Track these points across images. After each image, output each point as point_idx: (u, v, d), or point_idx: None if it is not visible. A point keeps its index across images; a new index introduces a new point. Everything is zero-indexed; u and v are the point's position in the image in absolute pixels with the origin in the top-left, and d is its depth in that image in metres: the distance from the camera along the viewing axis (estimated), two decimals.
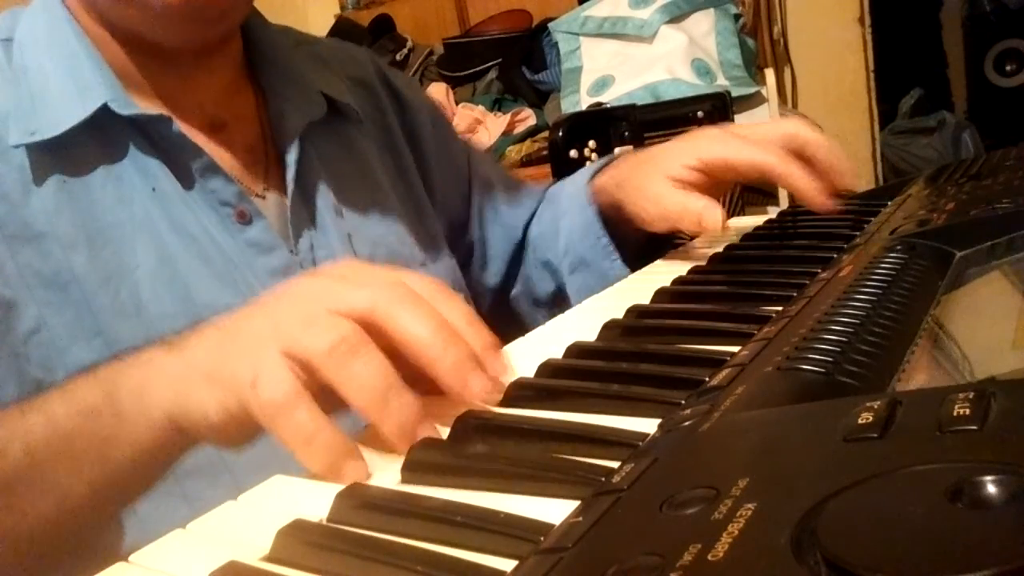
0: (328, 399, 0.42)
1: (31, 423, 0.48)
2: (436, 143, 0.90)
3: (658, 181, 0.74)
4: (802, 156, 0.70)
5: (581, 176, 0.87)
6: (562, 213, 0.88)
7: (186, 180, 0.67)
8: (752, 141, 0.71)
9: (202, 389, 0.44)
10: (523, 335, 0.58)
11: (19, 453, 0.47)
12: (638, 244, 0.83)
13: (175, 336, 0.47)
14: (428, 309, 0.43)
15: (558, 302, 0.89)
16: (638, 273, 0.72)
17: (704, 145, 0.74)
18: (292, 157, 0.73)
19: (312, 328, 0.42)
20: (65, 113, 0.64)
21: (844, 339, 0.41)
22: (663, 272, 0.69)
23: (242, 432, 0.43)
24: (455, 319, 0.44)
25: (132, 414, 0.46)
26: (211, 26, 0.69)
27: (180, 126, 0.67)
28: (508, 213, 0.94)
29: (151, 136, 0.67)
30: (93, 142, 0.65)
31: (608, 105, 1.72)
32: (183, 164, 0.67)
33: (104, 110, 0.64)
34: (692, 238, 0.79)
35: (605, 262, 0.82)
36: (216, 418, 0.43)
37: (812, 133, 0.72)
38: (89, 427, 0.47)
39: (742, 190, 1.52)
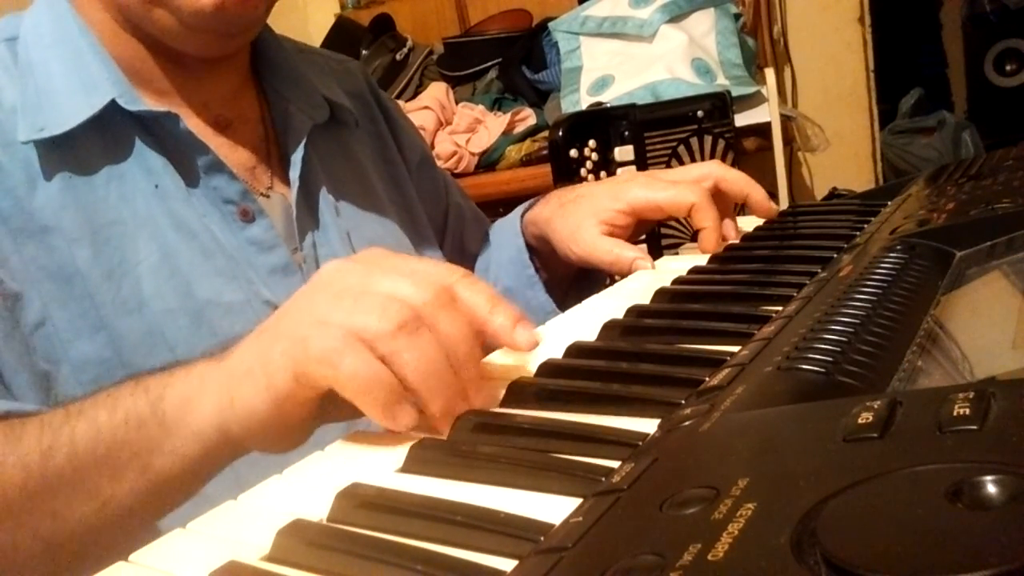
0: (341, 408, 0.42)
1: (76, 429, 0.48)
2: (420, 166, 0.92)
3: (588, 225, 0.77)
4: (717, 192, 0.77)
5: (516, 211, 0.90)
6: (495, 247, 0.91)
7: (190, 177, 0.68)
8: (675, 183, 0.77)
9: (246, 386, 0.44)
10: None
11: (63, 459, 0.48)
12: (567, 276, 0.87)
13: (220, 349, 0.48)
14: (463, 321, 0.44)
15: None
16: (638, 273, 0.72)
17: (632, 189, 0.78)
18: (298, 156, 0.74)
19: (365, 307, 0.42)
20: (72, 110, 0.65)
21: (844, 339, 0.41)
22: (663, 272, 0.69)
23: (290, 427, 0.44)
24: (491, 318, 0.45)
25: (178, 427, 0.46)
26: (233, 39, 0.70)
27: (186, 124, 0.67)
28: (471, 245, 0.96)
29: (156, 133, 0.67)
30: (98, 139, 0.66)
31: (608, 105, 1.72)
32: (188, 161, 0.68)
33: (111, 106, 0.65)
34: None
35: (529, 291, 0.85)
36: (264, 410, 0.43)
37: (725, 171, 0.79)
38: (134, 437, 0.47)
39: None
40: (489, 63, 2.13)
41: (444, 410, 0.42)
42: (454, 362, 0.43)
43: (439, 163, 1.15)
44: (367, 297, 0.43)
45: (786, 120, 1.81)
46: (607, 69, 1.90)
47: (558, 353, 0.50)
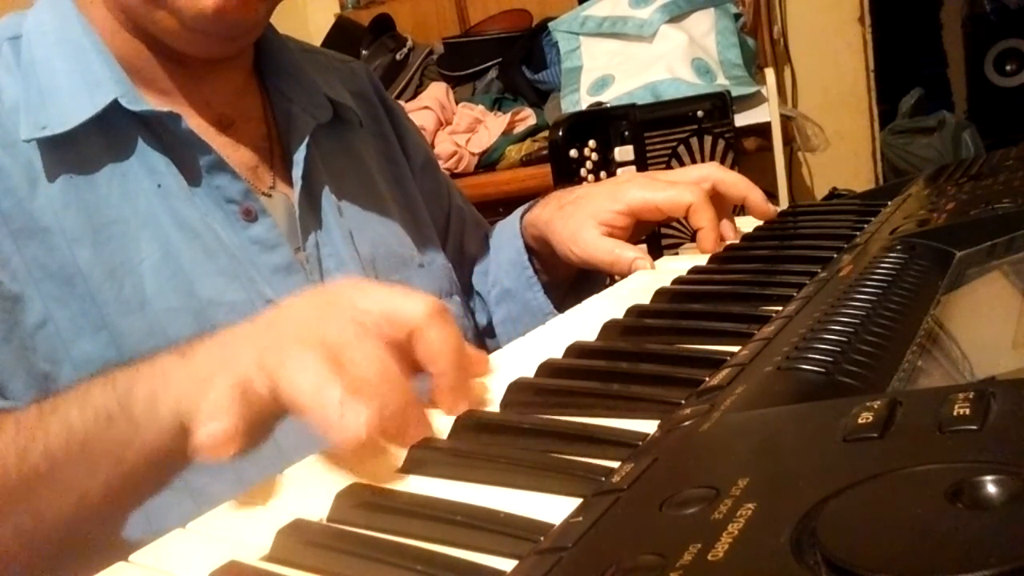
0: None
1: (49, 427, 0.49)
2: (423, 168, 0.92)
3: (588, 226, 0.77)
4: (715, 193, 0.77)
5: (515, 213, 0.90)
6: (495, 248, 0.91)
7: (193, 177, 0.68)
8: (673, 183, 0.77)
9: (200, 396, 0.44)
10: None
11: (38, 457, 0.48)
12: (567, 278, 0.87)
13: (186, 343, 0.48)
14: (378, 354, 0.42)
15: (489, 333, 0.92)
16: (638, 273, 0.72)
17: (630, 190, 0.78)
18: (300, 156, 0.74)
19: (284, 348, 0.42)
20: (74, 109, 0.65)
21: (844, 339, 0.41)
22: (663, 272, 0.69)
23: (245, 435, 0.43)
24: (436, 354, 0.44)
25: (145, 420, 0.47)
26: (234, 41, 0.70)
27: (188, 123, 0.67)
28: (471, 249, 0.96)
29: (159, 133, 0.68)
30: (101, 138, 0.66)
31: (608, 105, 1.72)
32: (190, 161, 0.68)
33: (113, 106, 0.65)
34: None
35: (528, 293, 0.85)
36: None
37: (724, 173, 0.79)
38: (105, 432, 0.48)
39: None
40: (489, 63, 2.14)
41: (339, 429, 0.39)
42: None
43: (439, 163, 1.15)
44: (294, 338, 0.43)
45: (786, 120, 1.81)
46: (607, 69, 1.90)
47: (558, 353, 0.50)
